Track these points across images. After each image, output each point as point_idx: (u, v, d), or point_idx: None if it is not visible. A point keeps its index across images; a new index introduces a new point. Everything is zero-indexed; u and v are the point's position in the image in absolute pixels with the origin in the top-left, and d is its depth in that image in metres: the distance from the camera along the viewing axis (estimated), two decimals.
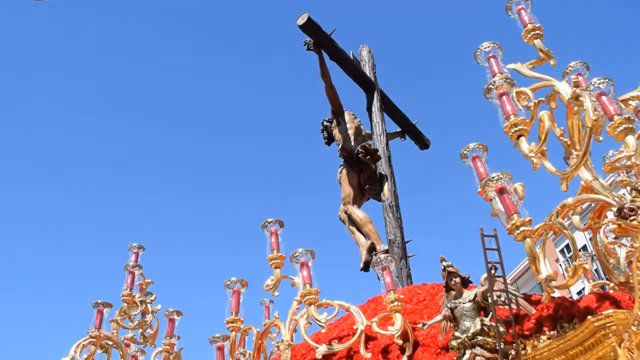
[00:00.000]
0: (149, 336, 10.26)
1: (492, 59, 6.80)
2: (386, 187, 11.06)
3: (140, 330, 10.25)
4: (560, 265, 30.15)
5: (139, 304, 10.19)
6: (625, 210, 4.96)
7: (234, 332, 8.11)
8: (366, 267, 10.31)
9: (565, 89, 6.13)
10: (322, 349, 7.04)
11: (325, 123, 12.50)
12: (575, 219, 6.20)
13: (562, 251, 32.08)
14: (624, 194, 6.33)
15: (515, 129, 5.91)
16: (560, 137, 6.85)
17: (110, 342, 9.74)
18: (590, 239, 6.62)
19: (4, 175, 60.52)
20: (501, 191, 5.90)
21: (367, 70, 12.87)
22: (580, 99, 5.59)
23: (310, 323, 7.45)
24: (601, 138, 6.10)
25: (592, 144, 6.05)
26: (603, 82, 5.79)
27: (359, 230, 10.82)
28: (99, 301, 9.66)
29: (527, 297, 6.45)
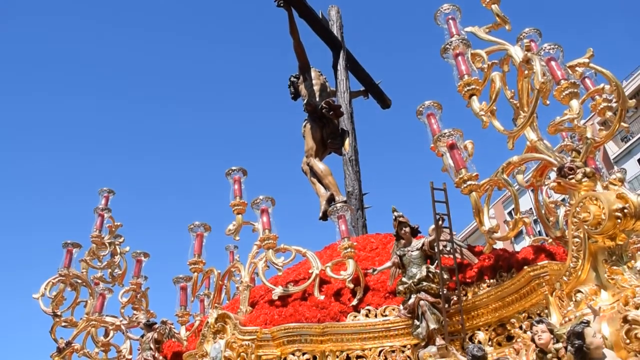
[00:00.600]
0: (117, 276, 10.15)
1: (450, 21, 6.63)
2: (347, 142, 10.95)
3: (109, 270, 10.12)
4: (506, 224, 30.62)
5: (107, 245, 10.03)
6: (564, 169, 4.96)
7: (195, 273, 8.02)
8: (325, 216, 10.24)
9: (517, 53, 6.01)
10: (278, 290, 7.02)
11: (292, 79, 12.24)
12: (519, 177, 6.22)
13: (510, 213, 32.66)
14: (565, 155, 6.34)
15: (468, 88, 5.82)
16: (511, 100, 6.78)
17: (79, 281, 9.61)
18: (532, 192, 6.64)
19: None
20: (451, 147, 5.85)
21: (335, 30, 12.57)
22: (531, 62, 5.50)
23: (268, 266, 7.41)
24: (548, 102, 6.05)
25: (540, 108, 6.04)
26: (553, 48, 5.74)
27: (320, 181, 10.73)
28: (69, 241, 9.49)
29: (470, 248, 6.50)
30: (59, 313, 9.24)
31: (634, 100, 5.65)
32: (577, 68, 5.91)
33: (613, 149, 24.63)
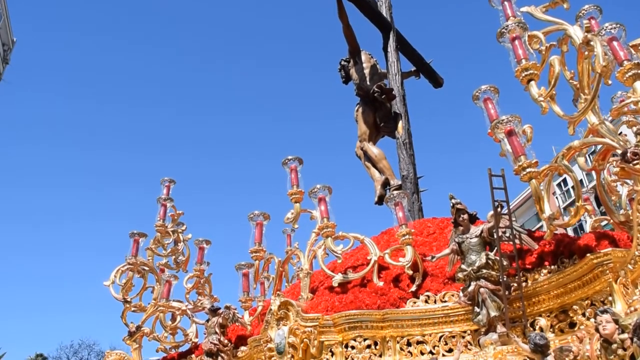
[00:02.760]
0: (181, 262, 10.53)
1: (505, 2, 6.46)
2: (400, 125, 10.88)
3: (173, 257, 10.51)
4: (556, 198, 29.84)
5: (171, 233, 10.39)
6: (628, 155, 4.82)
7: (257, 261, 8.27)
8: (380, 201, 10.29)
9: (577, 33, 5.85)
10: (338, 277, 7.16)
11: (342, 62, 12.19)
12: (581, 160, 6.10)
13: (558, 185, 31.73)
14: (626, 135, 6.16)
15: (525, 73, 5.71)
16: (570, 80, 6.63)
17: (146, 268, 10.02)
18: (587, 174, 6.51)
19: None
20: (510, 133, 5.78)
21: (384, 11, 12.42)
22: (591, 44, 5.35)
23: (327, 254, 7.56)
24: (610, 82, 5.87)
25: (602, 87, 5.87)
26: (615, 27, 5.51)
27: (374, 166, 10.75)
28: (135, 231, 9.89)
29: (530, 233, 6.41)
30: (128, 299, 9.68)
31: None
32: None
33: None
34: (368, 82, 11.10)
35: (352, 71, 11.61)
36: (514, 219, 6.31)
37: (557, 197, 29.80)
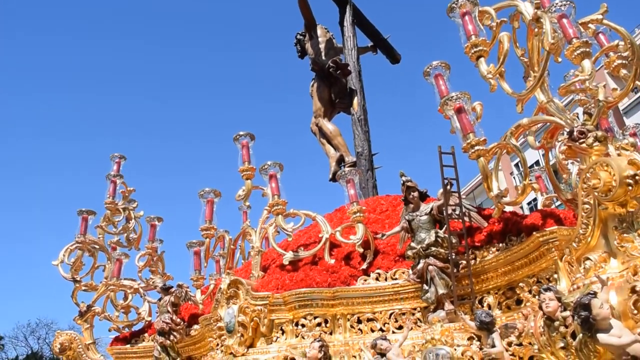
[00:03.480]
0: (133, 240, 10.21)
1: None
2: (356, 101, 10.73)
3: (125, 235, 10.19)
4: (514, 178, 30.35)
5: (122, 210, 10.05)
6: (575, 133, 4.78)
7: (207, 239, 8.07)
8: (334, 177, 10.18)
9: (527, 10, 5.73)
10: (288, 255, 7.04)
11: (298, 37, 11.92)
12: (530, 139, 6.05)
13: (517, 165, 32.23)
14: (577, 114, 6.14)
15: (475, 49, 5.59)
16: (521, 58, 6.53)
17: (96, 246, 9.69)
18: (543, 155, 6.46)
19: None
20: (459, 110, 5.68)
21: None
22: (541, 20, 5.24)
23: (278, 232, 7.41)
24: (560, 59, 5.81)
25: (552, 66, 5.80)
26: (565, 4, 5.42)
27: (329, 142, 10.59)
28: (83, 209, 9.53)
29: (479, 211, 6.39)
30: (78, 278, 9.36)
31: None
32: (590, 25, 5.63)
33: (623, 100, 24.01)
34: (323, 57, 10.89)
35: (308, 46, 11.37)
36: (465, 198, 6.27)
37: (514, 177, 30.29)
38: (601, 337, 3.77)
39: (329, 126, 10.65)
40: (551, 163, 6.77)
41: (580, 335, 3.95)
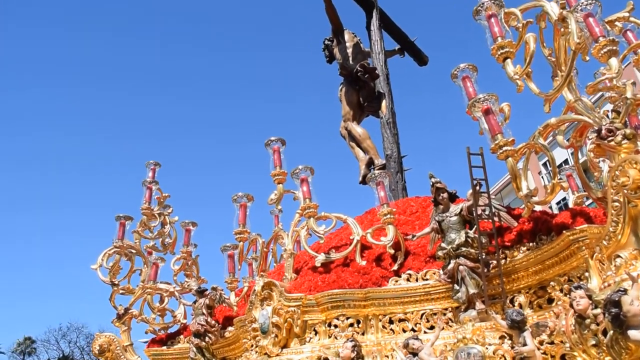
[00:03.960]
0: (168, 245, 10.48)
1: None
2: (384, 104, 10.83)
3: (160, 239, 10.47)
4: (542, 177, 29.87)
5: (157, 216, 10.34)
6: (603, 132, 4.80)
7: (241, 242, 8.26)
8: (364, 180, 10.28)
9: (553, 9, 5.76)
10: (320, 257, 7.17)
11: (326, 42, 12.08)
12: (559, 138, 6.05)
13: (545, 164, 31.69)
14: (607, 111, 6.13)
15: (501, 51, 5.65)
16: (549, 57, 6.55)
17: (133, 251, 9.98)
18: (572, 154, 6.47)
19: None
20: (487, 112, 5.74)
21: None
22: (567, 20, 5.28)
23: (310, 234, 7.55)
24: (587, 58, 5.83)
25: (582, 64, 5.83)
26: (591, 3, 5.44)
27: (359, 145, 10.72)
28: (121, 214, 9.83)
29: (509, 211, 6.41)
30: (116, 282, 9.66)
31: None
32: (616, 23, 5.64)
33: None
34: (351, 62, 11.01)
35: (336, 50, 11.51)
36: (494, 197, 6.31)
37: (542, 177, 29.83)
38: (632, 333, 3.81)
39: (358, 130, 10.77)
40: (581, 161, 6.78)
41: (611, 332, 3.98)
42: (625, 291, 3.88)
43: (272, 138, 8.05)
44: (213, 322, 8.18)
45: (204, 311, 8.22)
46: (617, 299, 3.81)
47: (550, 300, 5.55)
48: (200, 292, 8.42)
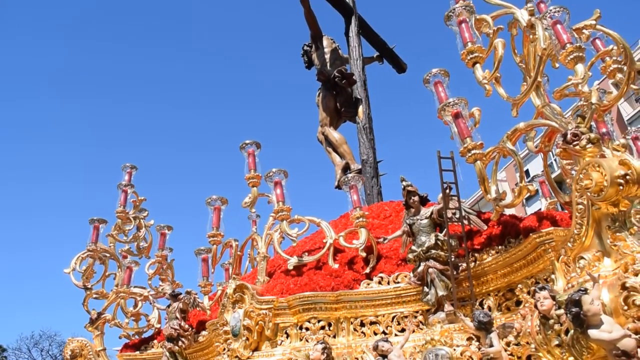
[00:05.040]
0: (143, 249, 10.40)
1: None
2: (361, 109, 10.89)
3: (135, 243, 10.38)
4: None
5: (132, 219, 10.25)
6: (569, 136, 4.88)
7: (214, 246, 8.22)
8: (340, 185, 10.33)
9: (524, 16, 5.87)
10: (293, 260, 7.16)
11: (305, 47, 12.15)
12: (529, 144, 6.14)
13: (526, 172, 31.96)
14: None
15: (471, 56, 5.73)
16: (520, 64, 6.65)
17: (107, 255, 9.89)
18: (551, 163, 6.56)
19: None
20: (456, 116, 5.81)
21: None
22: (535, 27, 5.37)
23: (284, 237, 7.54)
24: (557, 65, 5.93)
25: (553, 71, 5.93)
26: (558, 11, 5.56)
27: (335, 150, 10.76)
28: (95, 218, 9.72)
29: (479, 215, 6.47)
30: (89, 286, 9.55)
31: None
32: (584, 30, 5.74)
33: (627, 109, 23.90)
34: (329, 67, 11.08)
35: (314, 56, 11.57)
36: (470, 206, 6.38)
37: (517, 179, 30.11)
38: (592, 332, 3.85)
39: (334, 135, 10.82)
40: (557, 174, 6.87)
41: (572, 331, 4.03)
42: (586, 291, 3.93)
43: (247, 141, 8.04)
44: (187, 326, 8.12)
45: (178, 315, 8.15)
46: (577, 298, 3.86)
47: (519, 303, 5.59)
48: (174, 296, 8.35)
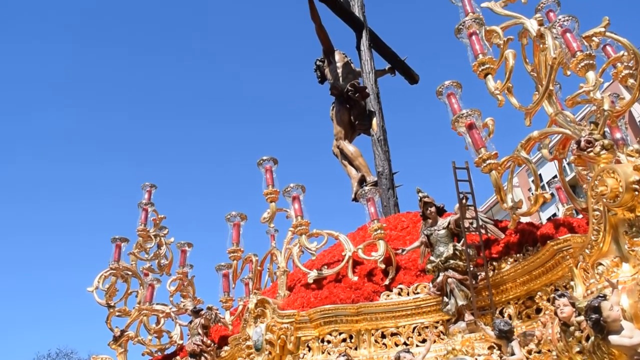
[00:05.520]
0: (164, 266, 10.54)
1: None
2: (375, 122, 10.99)
3: (156, 261, 10.52)
4: (532, 193, 29.94)
5: (153, 237, 10.40)
6: (582, 143, 4.93)
7: (235, 261, 8.32)
8: (357, 197, 10.40)
9: (533, 26, 5.95)
10: (312, 274, 7.24)
11: (318, 63, 12.31)
12: (544, 151, 6.19)
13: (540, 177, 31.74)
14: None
15: (482, 67, 5.82)
16: (531, 73, 6.71)
17: (129, 273, 10.04)
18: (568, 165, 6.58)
19: None
20: (470, 127, 5.88)
21: (356, 10, 12.53)
22: (545, 36, 5.44)
23: (303, 251, 7.63)
24: (569, 73, 5.98)
25: (565, 79, 5.98)
26: (568, 20, 5.63)
27: (351, 163, 10.86)
28: (117, 236, 9.89)
29: (496, 224, 6.51)
30: (112, 304, 9.70)
31: None
32: (594, 38, 5.79)
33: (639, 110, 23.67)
34: (342, 81, 11.20)
35: (327, 71, 11.71)
36: (485, 214, 6.43)
37: (532, 193, 29.90)
38: (612, 338, 3.87)
39: (349, 148, 10.92)
40: (571, 177, 6.89)
41: (593, 338, 4.05)
42: (605, 297, 3.96)
43: (264, 157, 8.17)
44: (209, 341, 8.20)
45: (200, 331, 8.24)
46: (597, 304, 3.88)
47: (539, 310, 5.61)
48: (196, 312, 8.46)
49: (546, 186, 9.01)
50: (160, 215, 10.69)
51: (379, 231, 7.00)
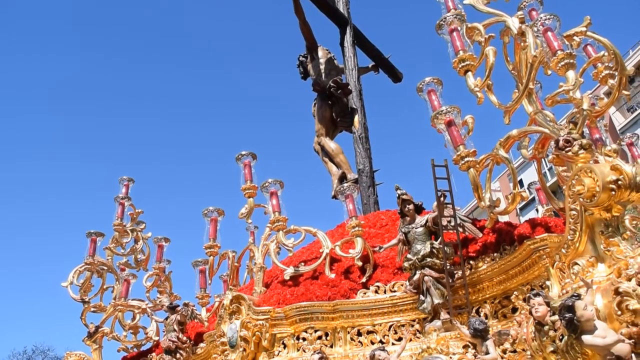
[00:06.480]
0: (141, 261, 10.39)
1: None
2: (356, 119, 10.93)
3: (133, 256, 10.36)
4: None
5: (130, 232, 10.24)
6: (561, 142, 4.90)
7: (211, 257, 8.20)
8: (336, 195, 10.33)
9: (515, 24, 5.91)
10: (289, 270, 7.16)
11: (301, 59, 12.22)
12: (523, 151, 6.16)
13: (520, 181, 31.91)
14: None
15: (462, 64, 5.77)
16: (512, 71, 6.68)
17: (105, 268, 9.86)
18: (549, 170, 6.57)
19: None
20: (449, 124, 5.83)
21: (341, 6, 12.45)
22: (525, 34, 5.41)
23: (280, 248, 7.53)
24: (549, 72, 5.95)
25: (546, 78, 5.96)
26: (549, 18, 5.61)
27: (332, 160, 10.79)
28: (92, 231, 9.72)
29: (474, 222, 6.47)
30: (87, 299, 9.52)
31: (632, 68, 5.50)
32: (575, 37, 5.77)
33: (619, 119, 23.91)
34: (324, 78, 11.13)
35: (310, 67, 11.63)
36: (457, 210, 6.38)
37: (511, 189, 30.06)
38: (586, 338, 3.84)
39: (330, 145, 10.85)
40: (552, 182, 6.87)
41: (566, 337, 4.02)
42: (579, 296, 3.93)
43: (243, 152, 8.05)
44: (184, 338, 8.09)
45: (176, 327, 8.13)
46: (570, 304, 3.85)
47: (515, 310, 5.58)
48: (172, 308, 8.34)
49: (527, 190, 8.96)
50: (137, 210, 10.53)
51: (356, 228, 6.93)
